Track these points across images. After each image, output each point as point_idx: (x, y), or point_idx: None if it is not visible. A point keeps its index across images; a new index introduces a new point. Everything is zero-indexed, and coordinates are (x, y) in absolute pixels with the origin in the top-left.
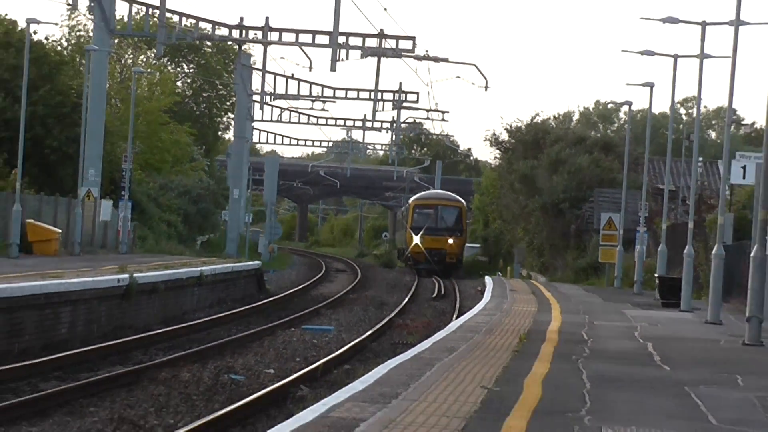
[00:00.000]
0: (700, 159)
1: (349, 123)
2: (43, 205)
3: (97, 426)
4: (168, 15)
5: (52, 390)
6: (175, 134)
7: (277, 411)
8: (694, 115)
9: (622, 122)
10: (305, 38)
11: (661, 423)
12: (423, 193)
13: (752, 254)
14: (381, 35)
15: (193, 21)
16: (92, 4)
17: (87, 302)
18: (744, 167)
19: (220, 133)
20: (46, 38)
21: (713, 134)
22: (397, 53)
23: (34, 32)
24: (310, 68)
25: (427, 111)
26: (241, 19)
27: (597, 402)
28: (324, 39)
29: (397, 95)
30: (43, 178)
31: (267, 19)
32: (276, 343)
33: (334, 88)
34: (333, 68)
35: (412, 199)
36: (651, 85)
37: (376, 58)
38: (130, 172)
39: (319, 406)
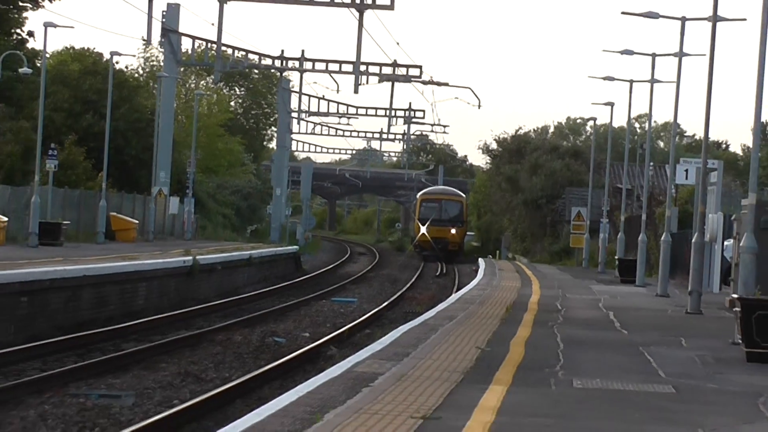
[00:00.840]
0: (651, 164)
1: (369, 135)
2: (124, 201)
3: (167, 378)
4: (223, 48)
5: (131, 349)
6: (229, 144)
7: (311, 366)
8: (646, 129)
9: (588, 134)
10: (333, 67)
11: (620, 376)
12: (429, 188)
13: (693, 240)
14: (394, 65)
15: (243, 53)
16: (163, 40)
17: (159, 279)
18: (686, 170)
19: (265, 143)
20: (126, 67)
21: (662, 144)
22: (407, 79)
23: (116, 62)
24: (337, 90)
25: (432, 125)
26: (282, 51)
27: (569, 359)
28: (349, 67)
29: (407, 112)
30: (123, 179)
31: (303, 51)
32: (310, 312)
33: (357, 107)
34: (356, 91)
35: (419, 194)
36: (612, 104)
37: (390, 83)
38: (193, 175)
39: (345, 363)
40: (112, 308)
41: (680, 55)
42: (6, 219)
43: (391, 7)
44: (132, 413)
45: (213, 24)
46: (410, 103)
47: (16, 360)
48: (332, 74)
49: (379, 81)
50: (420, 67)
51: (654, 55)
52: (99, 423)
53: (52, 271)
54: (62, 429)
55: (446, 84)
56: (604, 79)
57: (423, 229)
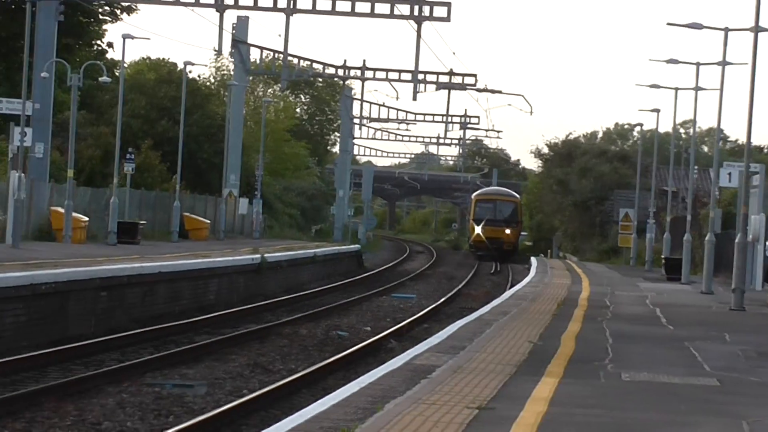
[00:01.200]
0: (696, 167)
1: (426, 140)
2: (196, 202)
3: (237, 369)
4: (289, 58)
5: (203, 341)
6: (294, 148)
7: (373, 359)
8: (691, 134)
9: (635, 139)
10: (393, 75)
11: (667, 369)
12: (484, 189)
13: (736, 240)
14: (450, 73)
15: (308, 63)
16: (233, 51)
17: (229, 276)
18: (729, 174)
19: (328, 147)
20: (198, 76)
21: (705, 148)
22: (462, 87)
23: (190, 71)
24: (397, 98)
25: (486, 131)
26: (345, 61)
27: (617, 353)
28: (407, 76)
29: (463, 119)
30: (196, 181)
31: (364, 61)
32: (371, 307)
33: (415, 113)
34: (414, 98)
35: (474, 194)
36: (658, 111)
37: (447, 91)
38: (261, 177)
39: (404, 356)
40: (185, 303)
41: (723, 64)
42: (87, 219)
43: (447, 19)
44: (204, 402)
45: (280, 35)
46: (466, 110)
47: (96, 351)
48: (392, 82)
49: (437, 89)
50: (475, 75)
51: (698, 64)
52: (173, 411)
53: (130, 268)
54: (139, 416)
55: (500, 91)
56: (651, 86)
57: (478, 229)
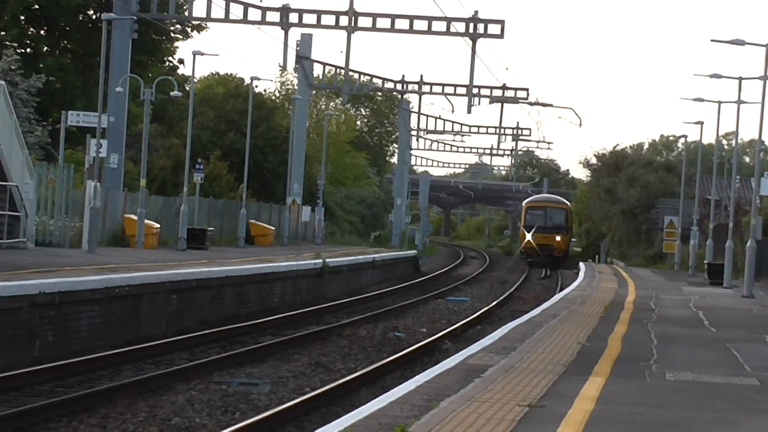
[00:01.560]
0: (738, 177)
1: (480, 150)
2: (261, 209)
3: (300, 368)
4: (350, 73)
5: (268, 342)
6: (355, 159)
7: (428, 359)
8: (733, 145)
9: (680, 150)
10: (449, 90)
11: (709, 369)
12: (534, 196)
13: None
14: (503, 87)
15: (368, 77)
16: (297, 66)
17: (292, 279)
18: None
19: (387, 158)
20: (264, 90)
21: (747, 159)
22: (515, 100)
23: (256, 86)
24: (452, 111)
25: (537, 142)
26: (403, 76)
27: (662, 354)
28: (462, 90)
29: (515, 131)
30: (261, 190)
31: (421, 76)
32: (427, 310)
33: (470, 125)
34: (469, 111)
35: (525, 201)
36: (701, 123)
37: (500, 104)
38: (323, 186)
39: (458, 356)
40: (250, 305)
41: (765, 78)
42: (158, 225)
43: (501, 36)
44: (268, 399)
45: (341, 52)
46: (518, 122)
47: (166, 351)
48: (448, 96)
49: (490, 102)
50: (527, 89)
51: (740, 79)
52: (239, 408)
53: (199, 272)
54: (207, 413)
55: (550, 105)
56: (695, 100)
57: (528, 236)
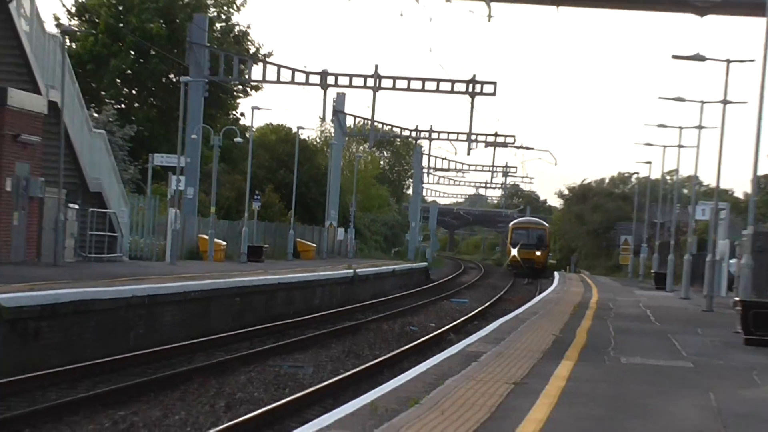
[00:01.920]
0: (678, 205)
1: (477, 184)
2: (305, 230)
3: (336, 355)
4: (375, 123)
5: (311, 334)
6: (379, 191)
7: (436, 347)
8: (674, 180)
9: (633, 184)
10: (453, 136)
11: (654, 354)
12: (519, 219)
13: (707, 259)
14: (495, 135)
15: (390, 127)
16: (334, 118)
17: (330, 285)
18: (703, 210)
19: (404, 190)
20: (308, 137)
21: (685, 191)
22: (504, 145)
23: (301, 134)
24: (455, 153)
25: (522, 177)
26: (416, 125)
27: (618, 343)
28: (463, 137)
29: (504, 168)
30: (305, 215)
31: (431, 125)
32: (435, 309)
33: (469, 165)
34: (468, 153)
35: (511, 223)
36: (650, 162)
37: (492, 148)
38: (353, 212)
39: (459, 345)
40: (297, 306)
41: (700, 127)
42: (225, 243)
43: (494, 94)
44: (311, 378)
45: (368, 106)
46: (506, 162)
47: (231, 341)
48: (452, 141)
49: (485, 146)
50: (514, 136)
51: (680, 128)
52: (288, 385)
53: (256, 280)
54: (263, 389)
55: (532, 148)
56: (645, 144)
57: (514, 252)
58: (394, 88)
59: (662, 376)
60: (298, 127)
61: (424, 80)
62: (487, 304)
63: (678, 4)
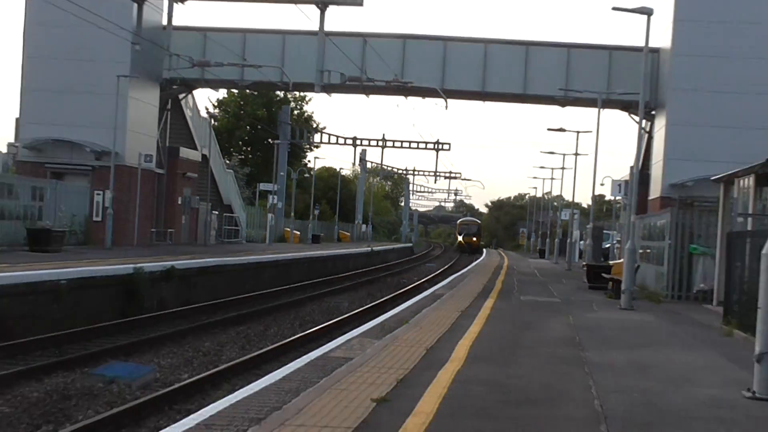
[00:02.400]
0: (551, 212)
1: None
2: (343, 225)
3: (362, 296)
4: (384, 166)
5: (347, 285)
6: (384, 204)
7: (417, 292)
8: (549, 197)
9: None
10: (429, 175)
11: (539, 295)
12: (462, 218)
13: (568, 241)
14: (450, 172)
15: (391, 167)
16: (360, 164)
17: (357, 257)
18: (565, 213)
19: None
20: (345, 174)
21: (555, 203)
22: (455, 177)
23: (342, 171)
24: (435, 182)
25: (465, 197)
26: (406, 168)
27: (519, 288)
28: (432, 173)
29: (456, 191)
30: (343, 217)
31: (414, 167)
32: (418, 269)
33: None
34: (435, 182)
35: (458, 221)
36: (535, 188)
37: (449, 180)
38: (371, 216)
39: (430, 290)
40: (339, 268)
41: (573, 152)
42: (298, 232)
43: (449, 149)
44: (347, 309)
45: (380, 159)
46: (456, 187)
47: (303, 288)
48: (426, 176)
49: (444, 178)
50: (460, 172)
51: (553, 170)
52: (334, 312)
53: (318, 254)
54: (320, 315)
55: (470, 179)
56: (536, 175)
57: (460, 238)
58: (393, 147)
59: (543, 306)
60: (340, 168)
61: (410, 142)
62: (446, 267)
63: (547, 100)
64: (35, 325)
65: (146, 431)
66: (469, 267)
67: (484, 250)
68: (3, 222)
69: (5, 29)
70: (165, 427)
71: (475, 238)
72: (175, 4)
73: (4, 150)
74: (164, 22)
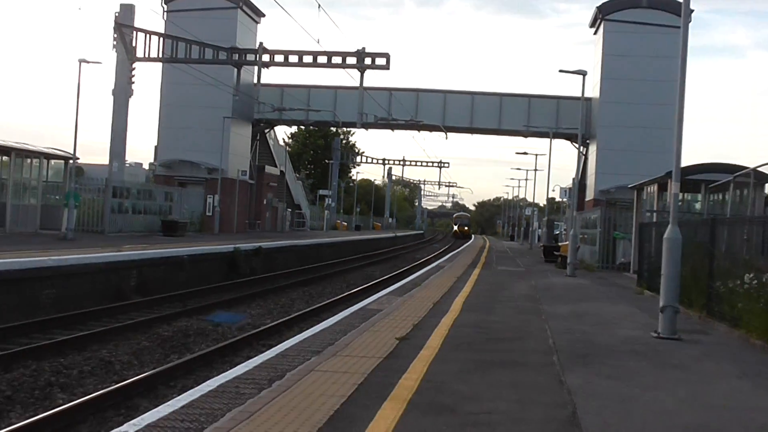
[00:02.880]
0: (518, 209)
1: (442, 201)
2: (377, 219)
3: (388, 267)
4: (405, 178)
5: (378, 259)
6: (405, 205)
7: (427, 264)
8: (517, 199)
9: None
10: (434, 184)
11: (510, 265)
12: (457, 213)
13: (530, 229)
14: (448, 182)
15: (411, 180)
16: (388, 177)
17: (385, 239)
18: (528, 211)
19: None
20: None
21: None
22: (453, 186)
23: (376, 182)
24: (434, 189)
25: (460, 198)
26: (420, 179)
27: (497, 261)
28: (436, 184)
29: (454, 197)
30: (377, 213)
31: (425, 179)
32: (426, 248)
33: (439, 194)
34: (439, 188)
35: (454, 215)
36: (507, 193)
37: (448, 188)
38: (395, 213)
39: (434, 263)
40: (368, 251)
41: (546, 159)
42: (345, 224)
43: (448, 166)
44: (379, 275)
45: (401, 172)
46: (453, 193)
47: (350, 261)
48: (432, 185)
49: (445, 187)
50: (456, 182)
51: (525, 178)
52: (370, 277)
53: (358, 238)
54: (361, 279)
55: (464, 187)
56: (511, 183)
57: (455, 228)
58: (410, 165)
59: (513, 274)
60: (373, 179)
61: (422, 162)
62: (446, 247)
63: (515, 133)
64: (166, 286)
65: (241, 359)
66: (462, 247)
67: (473, 235)
68: (146, 216)
69: (147, 90)
70: (254, 356)
71: (466, 228)
72: (262, 69)
73: (147, 167)
74: (255, 80)
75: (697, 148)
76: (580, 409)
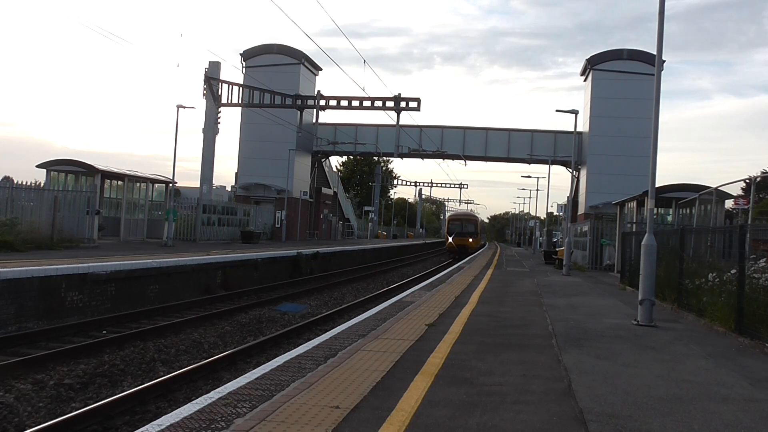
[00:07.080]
0: (524, 221)
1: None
2: (410, 230)
3: (418, 268)
4: (432, 196)
5: (410, 261)
6: (432, 218)
7: (448, 266)
8: (523, 212)
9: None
10: (455, 201)
11: (517, 267)
12: (452, 212)
13: (534, 237)
14: (467, 199)
15: (437, 198)
16: (418, 198)
17: (416, 246)
18: (531, 223)
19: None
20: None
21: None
22: (470, 203)
23: (409, 200)
24: (455, 205)
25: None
26: (443, 198)
27: (507, 264)
28: (457, 201)
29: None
30: (410, 226)
31: (447, 198)
32: (434, 260)
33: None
34: (459, 205)
35: (448, 215)
36: (516, 206)
37: (467, 205)
38: (425, 224)
39: (456, 264)
40: (392, 256)
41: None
42: (385, 233)
43: (466, 186)
44: (412, 274)
45: (429, 192)
46: (471, 208)
47: (389, 263)
48: (453, 203)
49: (465, 204)
50: (473, 200)
51: (528, 197)
52: (404, 276)
53: (395, 246)
54: (397, 278)
55: (479, 204)
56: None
57: (450, 239)
58: (436, 186)
59: (520, 274)
60: (407, 198)
61: (446, 183)
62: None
63: (521, 160)
64: (244, 283)
65: (303, 341)
66: (478, 252)
67: (487, 243)
68: (229, 227)
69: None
70: (313, 338)
71: (471, 239)
72: (320, 111)
73: (229, 189)
74: (314, 120)
75: (669, 172)
76: (575, 382)
